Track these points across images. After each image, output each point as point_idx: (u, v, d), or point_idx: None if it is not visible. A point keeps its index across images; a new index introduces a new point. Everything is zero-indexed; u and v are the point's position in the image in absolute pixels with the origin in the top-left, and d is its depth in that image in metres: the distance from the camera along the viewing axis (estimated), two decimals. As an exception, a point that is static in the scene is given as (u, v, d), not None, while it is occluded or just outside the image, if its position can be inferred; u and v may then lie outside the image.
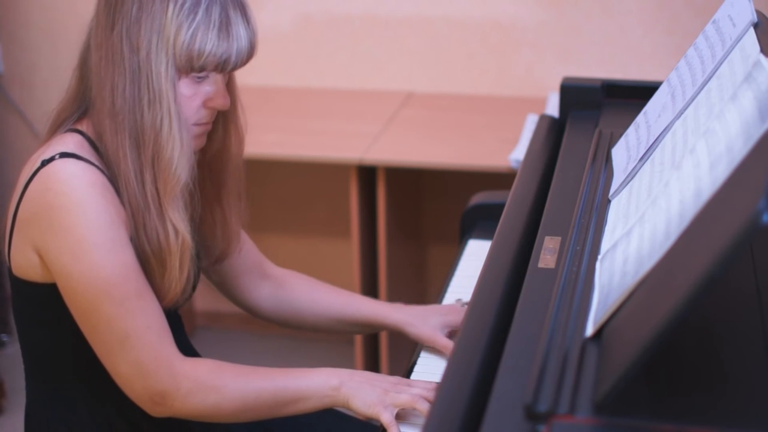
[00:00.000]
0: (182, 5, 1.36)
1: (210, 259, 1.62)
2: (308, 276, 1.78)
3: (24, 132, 3.38)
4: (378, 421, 1.42)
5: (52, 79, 3.30)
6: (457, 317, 1.67)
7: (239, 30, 1.39)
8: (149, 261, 1.43)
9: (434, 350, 1.66)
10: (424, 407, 1.41)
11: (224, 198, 1.58)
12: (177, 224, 1.41)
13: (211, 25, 1.37)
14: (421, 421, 1.42)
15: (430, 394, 1.43)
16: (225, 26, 1.37)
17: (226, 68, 1.40)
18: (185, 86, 1.40)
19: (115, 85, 1.38)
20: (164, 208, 1.41)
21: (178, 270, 1.43)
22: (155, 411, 1.43)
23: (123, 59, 1.37)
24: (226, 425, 1.61)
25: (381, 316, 1.70)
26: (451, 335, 1.66)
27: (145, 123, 1.38)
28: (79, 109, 1.46)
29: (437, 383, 1.45)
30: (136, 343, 1.38)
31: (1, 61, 3.32)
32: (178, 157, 1.39)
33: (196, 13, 1.36)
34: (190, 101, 1.41)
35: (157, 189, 1.40)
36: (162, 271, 1.44)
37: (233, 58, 1.39)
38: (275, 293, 1.74)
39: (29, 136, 3.36)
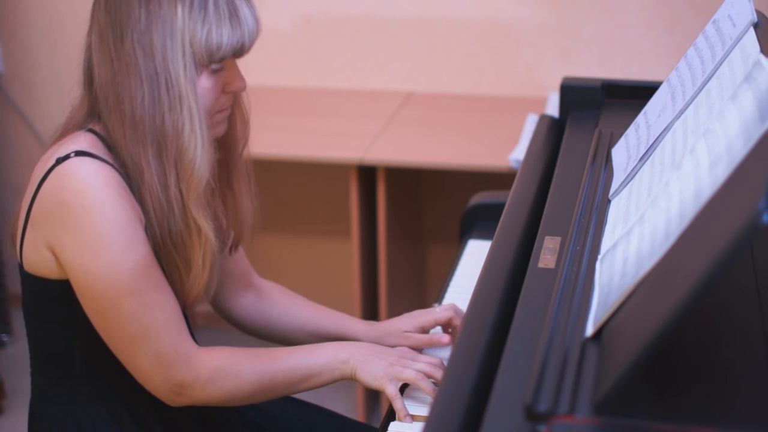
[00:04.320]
0: (191, 5, 1.37)
1: (226, 246, 1.62)
2: (289, 290, 1.77)
3: (24, 132, 3.38)
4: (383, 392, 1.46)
5: (52, 79, 3.30)
6: (423, 313, 1.65)
7: (245, 12, 1.41)
8: (176, 262, 1.45)
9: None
10: (427, 386, 1.45)
11: (234, 182, 1.58)
12: (200, 223, 1.43)
13: (223, 17, 1.38)
14: (425, 396, 1.46)
15: (435, 370, 1.47)
16: (234, 13, 1.39)
17: (243, 53, 1.43)
18: (205, 80, 1.41)
19: (134, 96, 1.38)
20: (188, 209, 1.42)
21: (201, 268, 1.46)
22: (175, 401, 1.46)
23: (139, 69, 1.38)
24: (224, 423, 1.63)
25: (352, 335, 1.68)
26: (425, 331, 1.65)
27: (167, 127, 1.39)
28: (88, 122, 1.46)
29: (441, 359, 1.48)
30: (156, 336, 1.41)
31: (1, 61, 3.32)
32: (201, 156, 1.41)
33: (206, 9, 1.37)
34: (211, 92, 1.43)
35: (180, 191, 1.41)
36: (188, 271, 1.46)
37: (247, 41, 1.42)
38: (255, 303, 1.74)
39: (29, 136, 3.36)
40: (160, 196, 1.41)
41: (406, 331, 1.63)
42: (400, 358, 1.49)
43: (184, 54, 1.38)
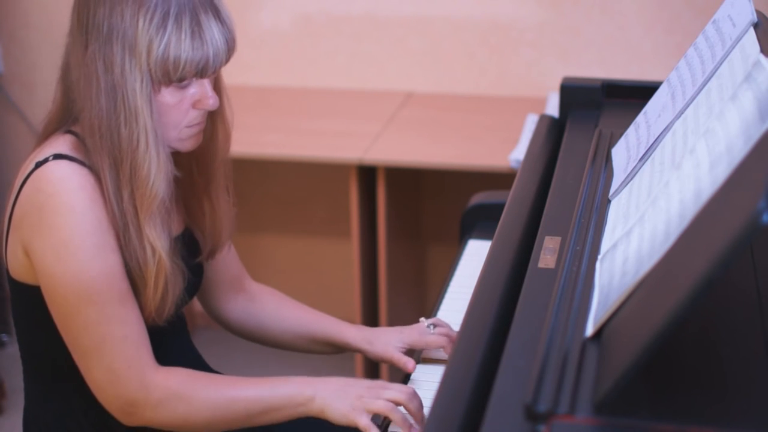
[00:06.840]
0: (151, 19, 1.34)
1: (203, 254, 1.61)
2: (280, 293, 1.76)
3: (24, 132, 3.38)
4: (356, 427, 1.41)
5: (52, 79, 3.27)
6: (416, 334, 1.64)
7: (213, 33, 1.37)
8: (131, 277, 1.42)
9: (430, 361, 1.66)
10: (398, 417, 1.40)
11: (213, 191, 1.57)
12: (154, 242, 1.41)
13: (183, 35, 1.35)
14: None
15: (407, 399, 1.42)
16: (197, 32, 1.36)
17: (206, 73, 1.39)
18: (169, 95, 1.39)
19: (93, 105, 1.38)
20: (141, 226, 1.40)
21: (153, 289, 1.42)
22: (126, 420, 1.43)
23: (98, 79, 1.37)
24: None
25: (341, 336, 1.68)
26: (409, 353, 1.63)
27: (122, 141, 1.37)
28: (66, 122, 1.45)
29: (413, 388, 1.45)
30: (111, 350, 1.38)
31: (1, 61, 3.32)
32: (155, 174, 1.38)
33: (165, 26, 1.35)
34: (177, 107, 1.41)
35: (134, 206, 1.39)
36: (143, 288, 1.43)
37: (211, 62, 1.38)
38: (246, 307, 1.73)
39: (29, 136, 3.36)
40: (115, 209, 1.39)
41: (388, 345, 1.62)
42: (368, 389, 1.42)
43: (140, 69, 1.36)
